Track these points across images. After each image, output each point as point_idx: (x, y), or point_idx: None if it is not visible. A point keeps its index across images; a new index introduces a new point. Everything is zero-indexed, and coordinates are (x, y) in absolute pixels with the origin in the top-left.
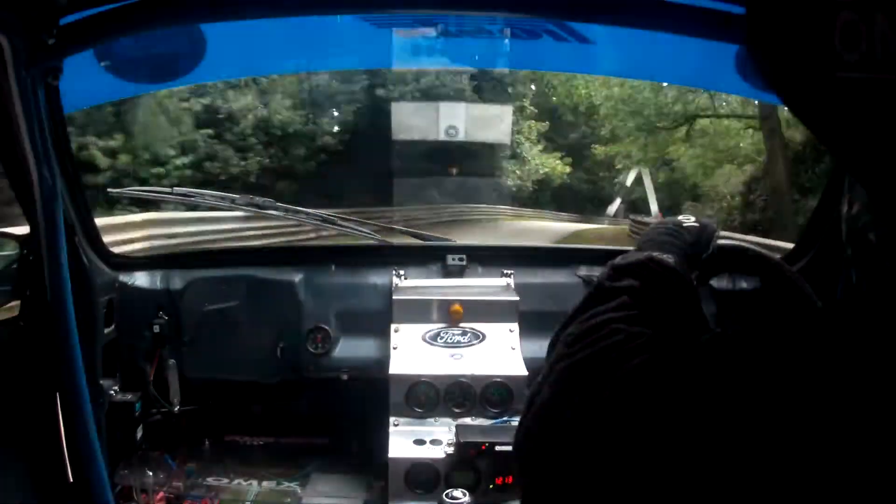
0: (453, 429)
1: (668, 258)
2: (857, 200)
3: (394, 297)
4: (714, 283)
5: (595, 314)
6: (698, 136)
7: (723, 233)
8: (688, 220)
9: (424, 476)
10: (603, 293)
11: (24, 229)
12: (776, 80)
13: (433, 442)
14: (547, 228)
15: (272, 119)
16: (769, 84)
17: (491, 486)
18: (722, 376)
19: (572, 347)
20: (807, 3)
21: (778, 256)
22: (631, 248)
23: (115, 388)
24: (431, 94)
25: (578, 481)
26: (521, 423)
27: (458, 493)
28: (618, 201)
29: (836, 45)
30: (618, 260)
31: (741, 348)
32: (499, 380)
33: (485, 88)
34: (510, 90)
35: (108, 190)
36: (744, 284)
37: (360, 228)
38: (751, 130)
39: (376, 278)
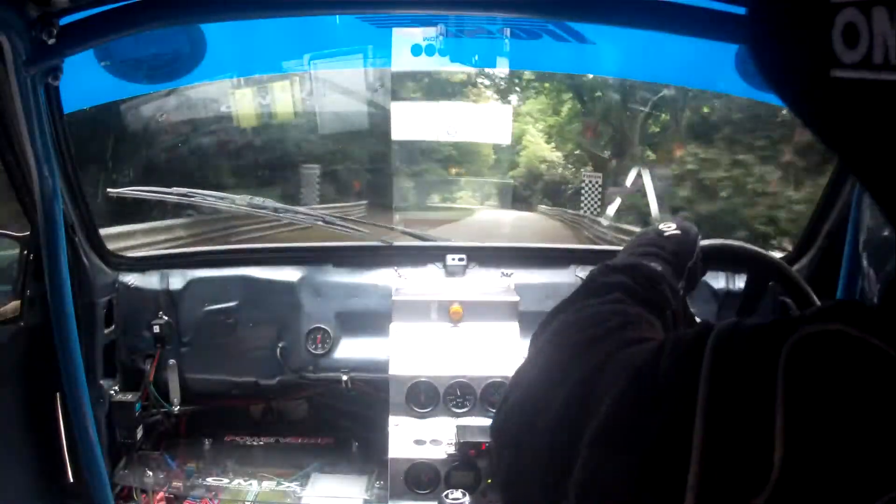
0: (453, 429)
1: (656, 266)
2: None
3: (394, 298)
4: (713, 283)
5: (590, 304)
6: None
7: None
8: (668, 227)
9: (424, 476)
10: (595, 287)
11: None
12: (776, 80)
13: (433, 442)
14: None
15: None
16: (769, 84)
17: (490, 486)
18: (729, 371)
19: (568, 331)
20: (807, 3)
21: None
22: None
23: (115, 388)
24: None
25: (564, 462)
26: (503, 403)
27: (457, 493)
28: (617, 202)
29: (836, 45)
30: (611, 260)
31: (754, 342)
32: (499, 380)
33: None
34: None
35: (108, 190)
36: (743, 285)
37: (360, 228)
38: None
39: (376, 278)
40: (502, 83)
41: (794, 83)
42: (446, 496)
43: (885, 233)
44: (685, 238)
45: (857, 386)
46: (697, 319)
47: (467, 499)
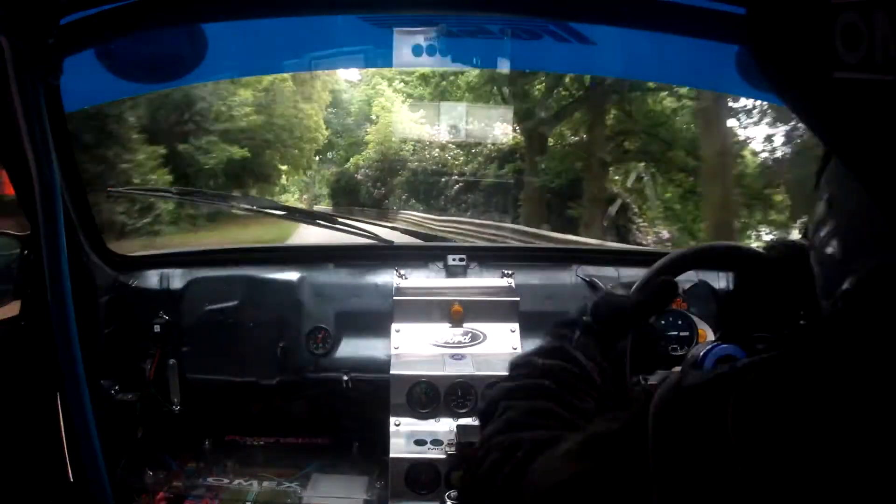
0: (454, 429)
1: (577, 355)
2: (820, 209)
3: (394, 298)
4: (713, 283)
5: (517, 411)
6: None
7: None
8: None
9: (425, 476)
10: (521, 388)
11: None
12: (776, 81)
13: (434, 442)
14: None
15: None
16: (769, 84)
17: None
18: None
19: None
20: (808, 4)
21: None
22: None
23: (115, 388)
24: None
25: None
26: None
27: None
28: (618, 202)
29: (837, 46)
30: (536, 350)
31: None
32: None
33: None
34: None
35: (109, 189)
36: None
37: (361, 228)
38: None
39: (377, 278)
40: None
41: (796, 84)
42: (449, 496)
43: (831, 249)
44: (616, 303)
45: (805, 427)
46: (696, 320)
47: None
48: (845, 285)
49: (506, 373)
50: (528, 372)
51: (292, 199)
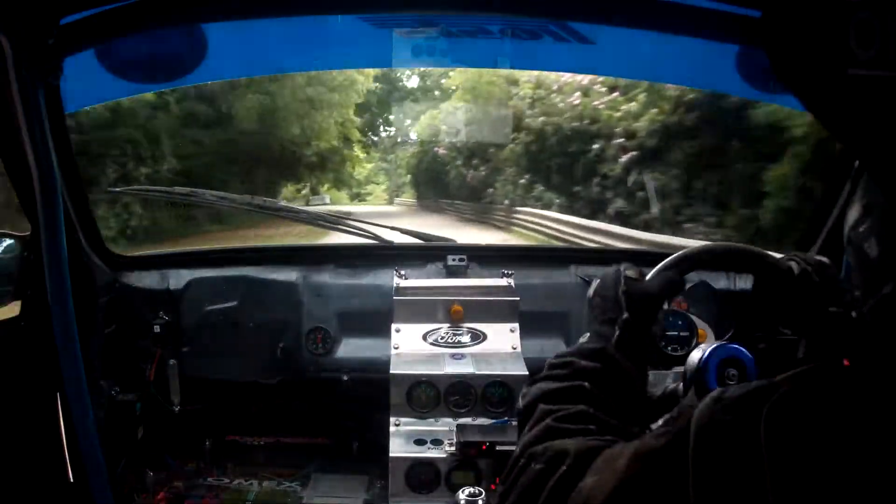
0: (454, 428)
1: (612, 351)
2: (857, 207)
3: (394, 298)
4: (713, 283)
5: (558, 417)
6: None
7: None
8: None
9: (425, 476)
10: (561, 390)
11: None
12: (793, 80)
13: (434, 442)
14: None
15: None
16: (785, 84)
17: (492, 487)
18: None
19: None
20: (823, 4)
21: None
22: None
23: (116, 388)
24: None
25: None
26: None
27: (476, 489)
28: (618, 202)
29: (851, 43)
30: (575, 350)
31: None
32: (499, 380)
33: None
34: None
35: (108, 189)
36: (744, 285)
37: (361, 228)
38: None
39: (377, 278)
40: None
41: (811, 82)
42: (462, 491)
43: (874, 251)
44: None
45: (833, 436)
46: (696, 320)
47: (483, 496)
48: (886, 289)
49: (504, 374)
50: (568, 373)
51: (379, 191)
